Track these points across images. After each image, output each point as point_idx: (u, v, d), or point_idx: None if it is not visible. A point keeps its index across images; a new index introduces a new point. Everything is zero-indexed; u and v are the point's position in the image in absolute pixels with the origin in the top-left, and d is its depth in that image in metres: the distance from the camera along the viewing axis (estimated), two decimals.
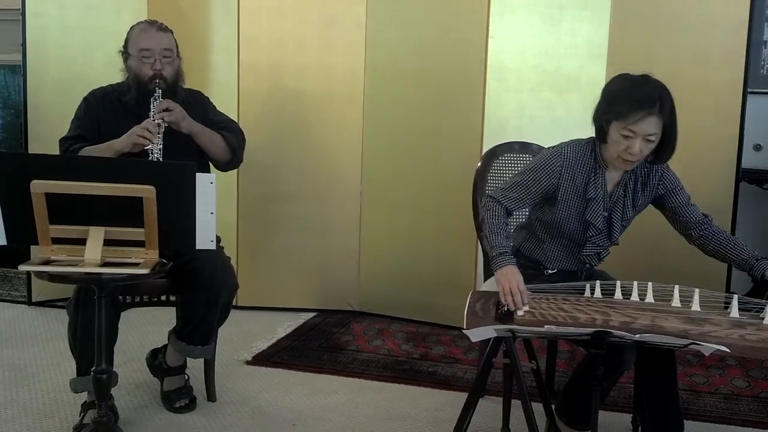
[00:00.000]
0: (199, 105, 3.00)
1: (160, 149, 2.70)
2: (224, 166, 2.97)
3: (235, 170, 3.97)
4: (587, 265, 2.57)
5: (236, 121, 3.08)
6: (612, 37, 3.66)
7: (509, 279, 2.27)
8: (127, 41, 2.89)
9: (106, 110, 2.88)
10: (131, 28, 2.91)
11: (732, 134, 3.64)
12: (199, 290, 2.74)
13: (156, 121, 2.74)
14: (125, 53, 2.89)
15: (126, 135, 2.73)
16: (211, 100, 3.10)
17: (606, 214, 2.47)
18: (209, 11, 4.05)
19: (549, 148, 2.53)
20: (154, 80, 2.80)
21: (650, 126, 2.28)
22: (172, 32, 2.91)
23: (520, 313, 2.22)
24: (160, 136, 2.72)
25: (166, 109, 2.76)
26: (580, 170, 2.44)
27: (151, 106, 2.77)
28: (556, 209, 2.48)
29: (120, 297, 2.79)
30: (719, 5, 3.63)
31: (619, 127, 2.30)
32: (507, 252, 2.36)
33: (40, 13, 3.95)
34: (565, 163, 2.44)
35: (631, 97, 2.29)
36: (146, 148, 2.70)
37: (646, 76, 2.35)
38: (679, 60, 3.65)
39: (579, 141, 2.49)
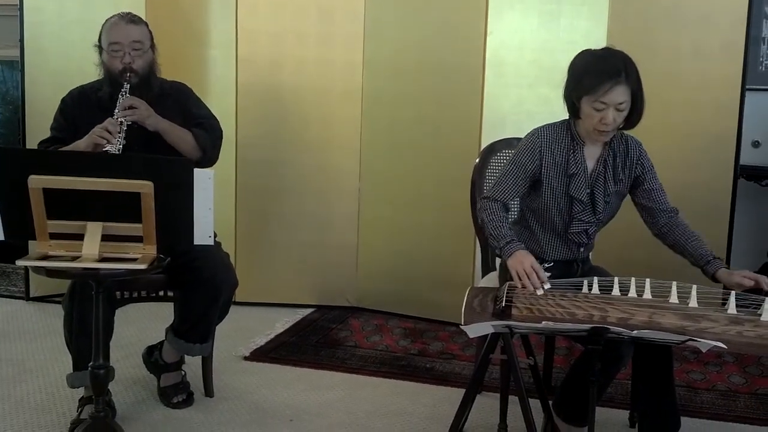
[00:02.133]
0: (179, 97, 2.95)
1: (119, 150, 2.61)
2: (195, 165, 2.91)
3: (233, 165, 3.99)
4: (581, 248, 2.59)
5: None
6: (610, 32, 3.65)
7: (522, 261, 2.32)
8: (100, 36, 2.86)
9: (82, 109, 2.85)
10: (105, 21, 2.87)
11: (730, 130, 3.63)
12: (199, 288, 2.73)
13: (119, 119, 2.67)
14: (99, 47, 2.87)
15: (87, 135, 2.68)
16: (195, 93, 3.03)
17: (589, 190, 2.51)
18: (207, 5, 4.04)
19: (525, 136, 2.58)
20: (124, 73, 2.77)
21: (619, 95, 2.34)
22: (146, 24, 2.88)
23: (539, 292, 2.23)
24: (121, 135, 2.64)
25: (130, 107, 2.70)
26: (559, 148, 2.50)
27: (117, 103, 2.72)
28: (542, 191, 2.52)
29: (117, 292, 2.79)
30: (718, 1, 3.62)
31: (590, 101, 2.36)
32: (514, 240, 2.41)
33: (38, 8, 3.94)
34: (544, 142, 2.50)
35: (597, 70, 2.36)
36: (105, 148, 2.61)
37: (607, 49, 2.44)
38: (678, 56, 3.65)
39: (552, 123, 2.55)
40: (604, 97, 2.33)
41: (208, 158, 2.90)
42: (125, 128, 2.67)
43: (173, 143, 2.80)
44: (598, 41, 3.63)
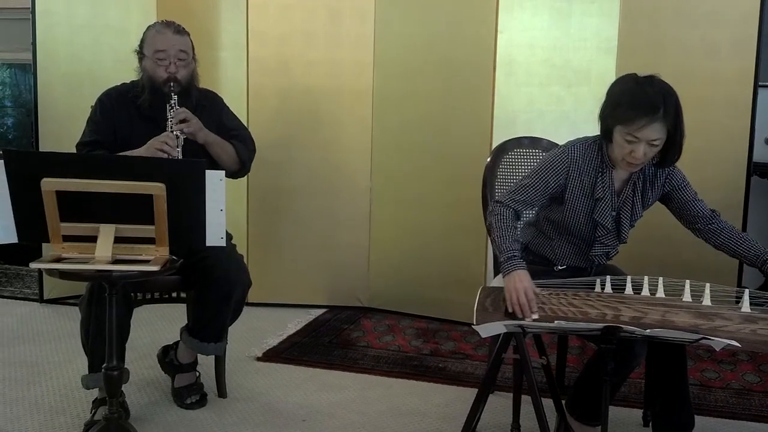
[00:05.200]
0: (213, 107, 3.00)
1: None
2: (232, 176, 2.96)
3: None
4: (596, 264, 2.56)
5: (246, 125, 3.09)
6: (621, 30, 3.64)
7: (517, 288, 2.22)
8: (142, 41, 2.88)
9: (120, 111, 2.87)
10: (148, 28, 2.90)
11: (743, 128, 3.61)
12: (212, 287, 2.75)
13: (174, 133, 2.73)
14: (140, 53, 2.88)
15: (144, 147, 2.72)
16: (224, 100, 3.09)
17: (614, 213, 2.46)
18: (218, 7, 4.06)
19: (555, 149, 2.52)
20: (168, 83, 2.79)
21: (653, 132, 2.25)
22: (188, 34, 2.89)
23: (528, 321, 2.19)
24: (179, 149, 2.72)
25: (184, 120, 2.75)
26: (587, 170, 2.43)
27: (168, 114, 2.76)
28: (564, 209, 2.47)
29: (132, 294, 2.80)
30: None
31: (623, 132, 2.28)
32: (516, 256, 2.32)
33: (50, 12, 3.97)
34: (572, 163, 2.42)
35: (634, 102, 2.25)
36: None
37: (650, 78, 2.31)
38: (689, 52, 3.63)
39: (586, 140, 2.47)
40: (638, 132, 2.25)
41: (246, 170, 3.00)
42: (182, 142, 2.73)
43: (216, 155, 2.88)
44: (609, 39, 3.65)
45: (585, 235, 2.50)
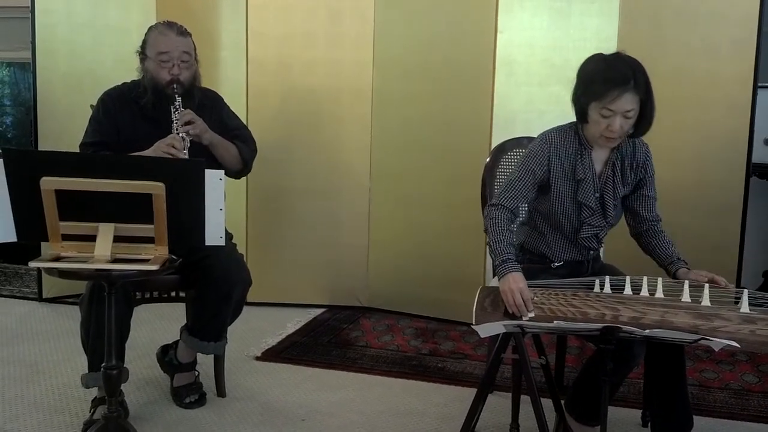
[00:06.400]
0: (215, 107, 3.00)
1: None
2: (234, 175, 2.97)
3: None
4: (591, 252, 2.58)
5: (246, 123, 3.10)
6: (621, 30, 3.64)
7: (512, 289, 2.25)
8: (145, 42, 2.86)
9: (123, 111, 2.87)
10: (150, 29, 2.88)
11: (742, 128, 3.62)
12: (212, 286, 2.75)
13: (180, 134, 2.73)
14: (142, 54, 2.87)
15: (151, 149, 2.71)
16: (224, 100, 3.09)
17: (598, 194, 2.50)
18: (217, 7, 4.06)
19: (533, 141, 2.57)
20: (171, 85, 2.79)
21: (627, 103, 2.31)
22: (190, 35, 2.89)
23: (524, 319, 2.20)
24: (186, 152, 2.72)
25: (189, 122, 2.75)
26: (566, 153, 2.48)
27: (173, 117, 2.76)
28: (551, 197, 2.51)
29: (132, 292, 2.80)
30: None
31: (598, 107, 2.34)
32: (510, 258, 2.34)
33: (50, 11, 3.97)
34: (552, 148, 2.48)
35: (605, 77, 2.33)
36: None
37: (617, 54, 2.41)
38: (689, 53, 3.64)
39: (560, 127, 2.53)
40: (612, 105, 2.31)
41: (248, 169, 3.02)
42: (188, 144, 2.74)
43: (220, 156, 2.89)
44: (608, 39, 3.64)
45: (573, 220, 2.52)
